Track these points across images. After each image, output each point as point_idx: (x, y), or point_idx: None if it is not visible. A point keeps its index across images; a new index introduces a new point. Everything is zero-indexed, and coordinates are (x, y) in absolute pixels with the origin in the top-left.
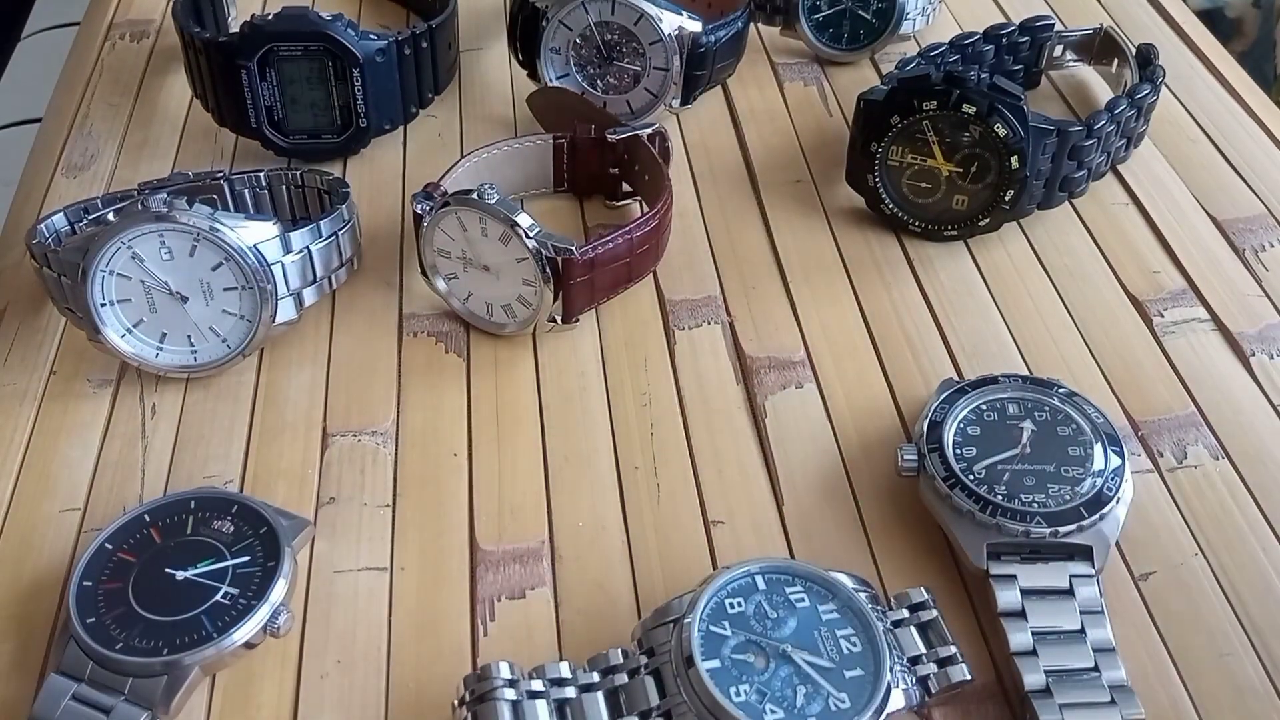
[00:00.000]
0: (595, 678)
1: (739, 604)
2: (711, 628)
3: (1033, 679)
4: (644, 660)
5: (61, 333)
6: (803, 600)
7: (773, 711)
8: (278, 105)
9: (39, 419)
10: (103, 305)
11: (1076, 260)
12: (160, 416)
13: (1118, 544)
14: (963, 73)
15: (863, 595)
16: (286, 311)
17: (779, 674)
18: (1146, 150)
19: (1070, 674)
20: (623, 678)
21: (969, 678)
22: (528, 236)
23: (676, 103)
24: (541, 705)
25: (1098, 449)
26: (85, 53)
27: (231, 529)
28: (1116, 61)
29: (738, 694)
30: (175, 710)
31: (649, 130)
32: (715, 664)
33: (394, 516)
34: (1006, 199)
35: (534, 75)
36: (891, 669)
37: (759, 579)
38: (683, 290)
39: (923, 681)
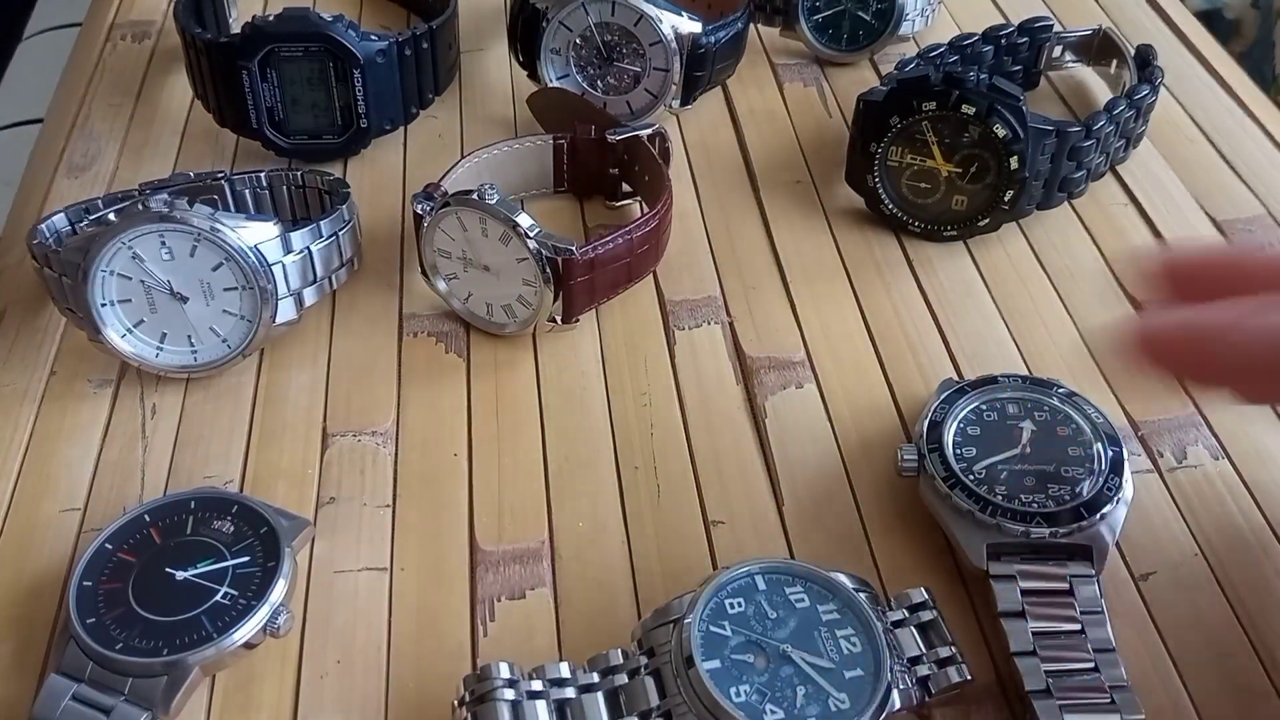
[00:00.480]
0: (595, 678)
1: (739, 604)
2: (712, 628)
3: (1033, 679)
4: (644, 660)
5: (62, 333)
6: (803, 600)
7: (773, 712)
8: (279, 106)
9: (39, 419)
10: (103, 305)
11: (1076, 260)
12: (160, 417)
13: (1118, 544)
14: (962, 73)
15: (863, 595)
16: (287, 312)
17: (779, 674)
18: (1145, 151)
19: (1070, 674)
20: (623, 678)
21: (969, 678)
22: (528, 237)
23: (676, 103)
24: (541, 705)
25: (1098, 449)
26: (86, 53)
27: (231, 529)
28: (1115, 62)
29: (738, 694)
30: (175, 710)
31: (649, 131)
32: (715, 664)
33: (394, 517)
34: (1006, 199)
35: (534, 76)
36: (891, 669)
37: (759, 579)
38: (683, 290)
39: (922, 682)
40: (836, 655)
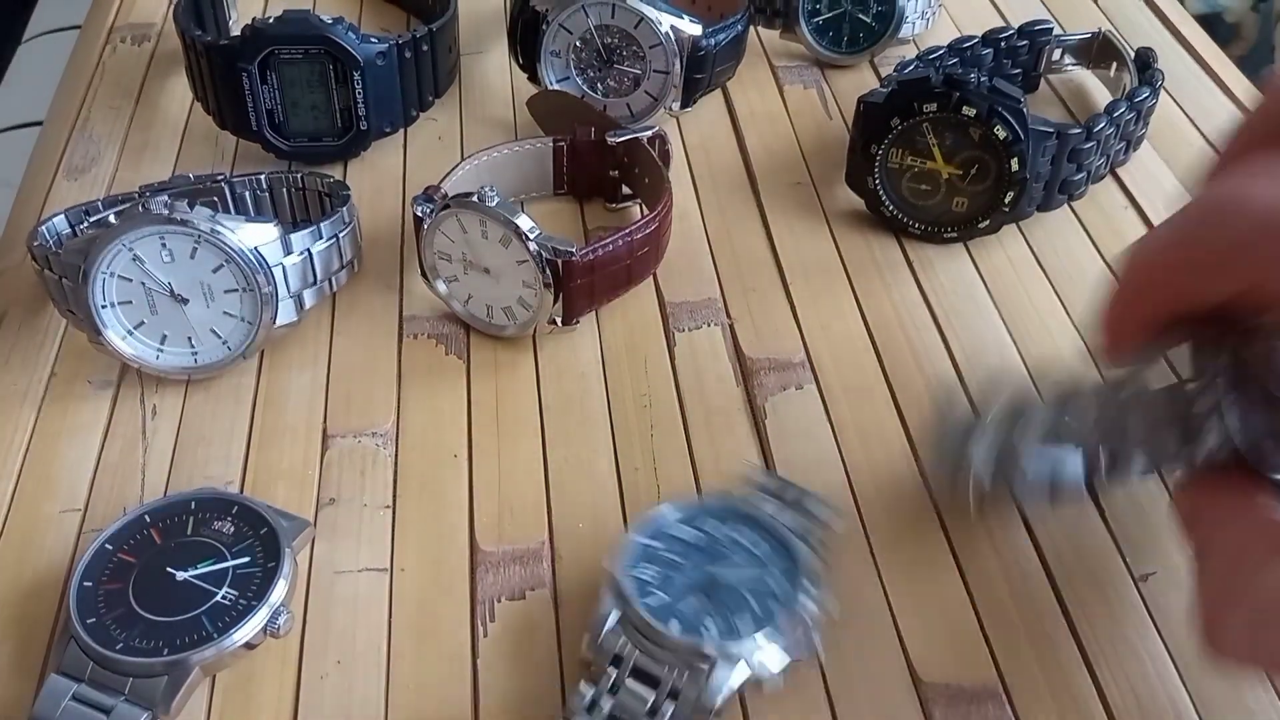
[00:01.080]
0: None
1: (659, 545)
2: (637, 574)
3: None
4: (613, 671)
5: (62, 334)
6: (717, 528)
7: (708, 628)
8: (278, 108)
9: (40, 420)
10: (104, 307)
11: (1076, 263)
12: (161, 418)
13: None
14: (962, 75)
15: (765, 504)
16: (287, 314)
17: (711, 593)
18: (1145, 154)
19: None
20: (610, 700)
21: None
22: (528, 239)
23: (676, 106)
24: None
25: None
26: (86, 56)
27: (232, 530)
28: (1115, 65)
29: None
30: (175, 710)
31: (649, 133)
32: (653, 600)
33: (394, 518)
34: (1006, 201)
35: (534, 78)
36: (801, 540)
37: (671, 514)
38: (683, 292)
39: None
40: (755, 561)
